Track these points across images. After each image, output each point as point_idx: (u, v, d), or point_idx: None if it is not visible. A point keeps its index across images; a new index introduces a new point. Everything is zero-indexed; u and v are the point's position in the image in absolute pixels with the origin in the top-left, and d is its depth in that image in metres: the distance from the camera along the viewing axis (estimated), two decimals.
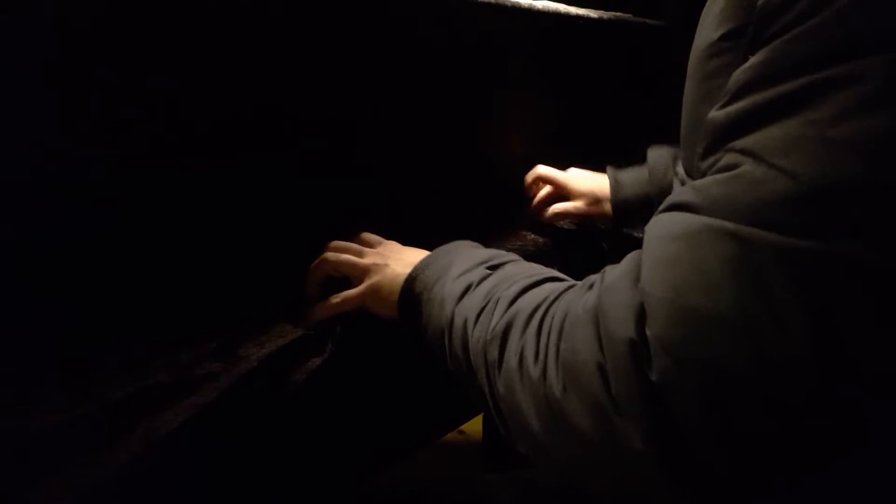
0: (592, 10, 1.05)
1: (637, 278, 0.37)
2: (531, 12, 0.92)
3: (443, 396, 0.66)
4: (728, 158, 0.36)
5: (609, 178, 0.93)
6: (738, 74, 0.37)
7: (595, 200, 0.93)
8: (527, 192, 0.99)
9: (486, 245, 0.61)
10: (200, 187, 0.61)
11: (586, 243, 0.97)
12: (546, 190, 0.96)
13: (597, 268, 0.45)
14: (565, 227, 0.98)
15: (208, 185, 0.62)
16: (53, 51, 0.49)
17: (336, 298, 0.62)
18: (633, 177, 0.91)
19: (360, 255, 0.65)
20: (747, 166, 0.34)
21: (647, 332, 0.34)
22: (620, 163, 0.93)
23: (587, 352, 0.37)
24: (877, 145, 0.31)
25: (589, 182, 0.94)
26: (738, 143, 0.36)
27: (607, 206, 0.91)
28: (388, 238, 0.68)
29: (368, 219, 0.71)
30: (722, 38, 0.42)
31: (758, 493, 0.34)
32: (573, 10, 1.01)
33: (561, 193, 0.95)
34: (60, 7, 0.49)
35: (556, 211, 0.94)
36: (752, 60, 0.36)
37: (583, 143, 1.08)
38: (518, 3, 0.90)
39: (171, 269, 0.60)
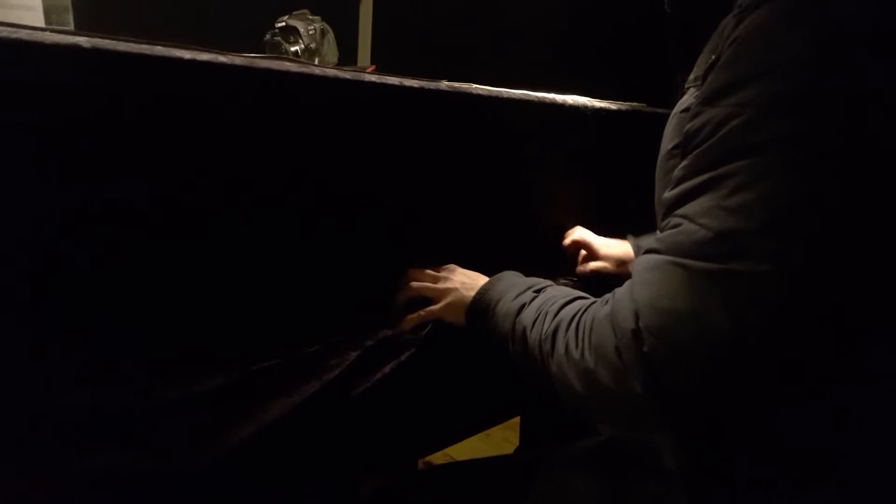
0: (612, 102, 1.32)
1: (632, 294, 0.62)
2: (563, 107, 1.19)
3: (492, 391, 0.91)
4: (674, 220, 0.62)
5: (631, 244, 1.20)
6: (677, 172, 0.63)
7: (620, 263, 1.21)
8: (564, 250, 1.25)
9: None
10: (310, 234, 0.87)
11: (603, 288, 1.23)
12: (581, 251, 1.24)
13: None
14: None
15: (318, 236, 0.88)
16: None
17: (422, 312, 0.89)
18: (650, 243, 1.18)
19: (434, 280, 0.92)
20: (685, 225, 0.60)
21: (640, 324, 0.59)
22: (636, 231, 1.20)
23: (608, 338, 0.62)
24: (746, 209, 0.55)
25: (615, 248, 1.22)
26: (679, 211, 0.61)
27: (626, 267, 1.18)
28: None
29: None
30: (672, 149, 0.70)
31: (712, 416, 0.59)
32: (597, 103, 1.27)
33: (592, 254, 1.22)
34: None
35: (589, 269, 1.21)
36: (682, 163, 0.63)
37: (604, 212, 1.32)
38: (554, 99, 1.17)
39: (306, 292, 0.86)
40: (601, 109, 1.26)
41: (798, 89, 0.55)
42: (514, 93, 1.09)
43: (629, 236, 1.22)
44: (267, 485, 0.72)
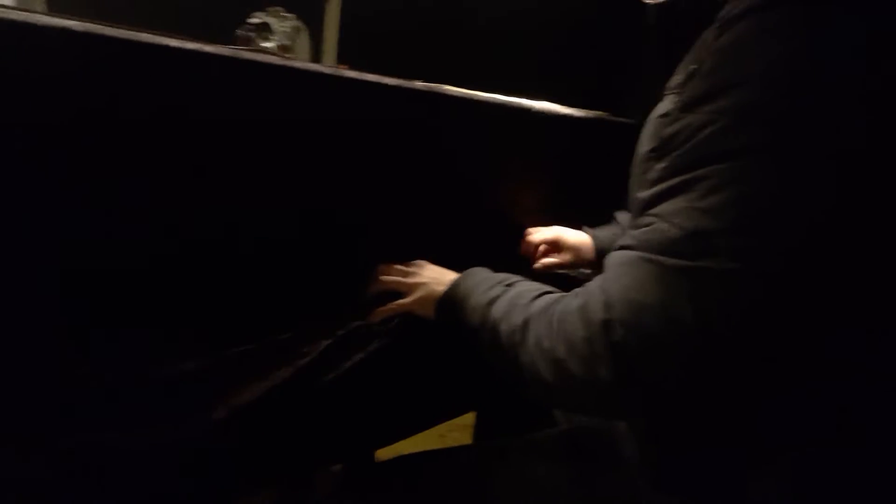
0: (577, 110, 1.36)
1: (604, 286, 0.64)
2: (531, 112, 1.22)
3: (452, 384, 0.93)
4: (648, 219, 0.64)
5: (589, 235, 1.26)
6: (651, 173, 0.67)
7: (578, 253, 1.26)
8: (524, 246, 1.29)
9: None
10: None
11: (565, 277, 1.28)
12: (543, 247, 1.27)
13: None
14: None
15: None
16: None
17: (392, 304, 0.91)
18: (608, 234, 1.26)
19: (404, 274, 0.94)
20: (657, 223, 0.63)
21: (610, 315, 0.61)
22: (593, 223, 1.24)
23: (577, 329, 0.64)
24: (717, 210, 0.58)
25: (574, 238, 1.27)
26: (653, 211, 0.64)
27: (587, 256, 1.24)
28: None
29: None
30: (650, 151, 0.73)
31: (671, 406, 0.64)
32: (563, 109, 1.31)
33: (553, 248, 1.27)
34: None
35: (548, 263, 1.25)
36: (657, 166, 0.66)
37: (567, 210, 1.37)
38: (521, 104, 1.20)
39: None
40: (567, 116, 1.31)
41: (771, 100, 0.58)
42: (485, 96, 1.13)
43: (585, 228, 1.28)
44: (235, 465, 0.73)
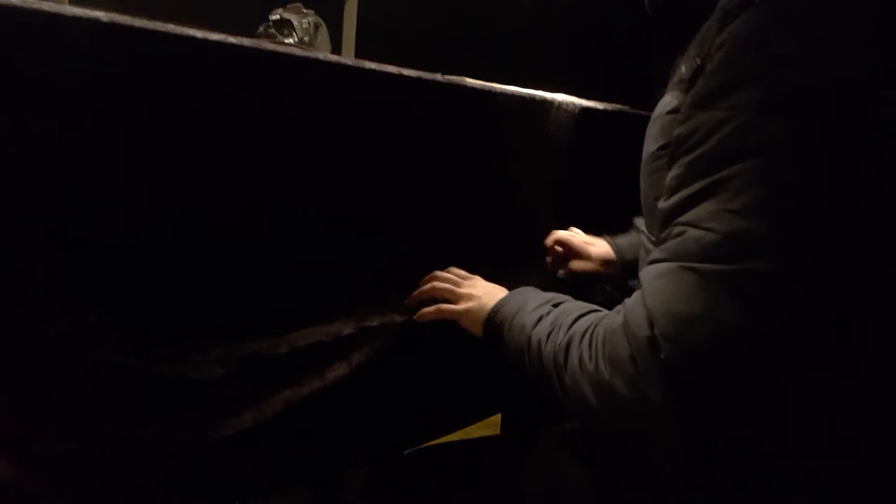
0: (598, 102, 1.35)
1: (644, 302, 0.61)
2: (553, 104, 1.21)
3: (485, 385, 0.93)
4: (677, 229, 0.62)
5: (610, 245, 1.23)
6: (670, 180, 0.64)
7: (602, 263, 1.23)
8: (546, 249, 1.28)
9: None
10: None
11: (590, 288, 1.26)
12: (558, 248, 1.26)
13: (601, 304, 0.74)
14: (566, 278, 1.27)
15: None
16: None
17: (442, 307, 0.91)
18: (629, 242, 1.23)
19: (456, 284, 0.93)
20: (690, 231, 0.60)
21: (655, 331, 0.58)
22: (613, 231, 1.25)
23: (622, 348, 0.62)
24: (752, 210, 0.56)
25: (596, 248, 1.24)
26: (681, 219, 0.61)
27: (609, 267, 1.22)
28: None
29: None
30: (658, 149, 0.71)
31: (725, 421, 0.59)
32: (584, 102, 1.30)
33: (574, 254, 1.25)
34: None
35: (570, 268, 1.24)
36: (673, 172, 0.63)
37: (586, 210, 1.35)
38: (543, 96, 1.19)
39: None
40: (589, 108, 1.29)
41: (790, 89, 0.56)
42: (506, 88, 1.12)
43: (605, 237, 1.25)
44: (266, 463, 0.73)
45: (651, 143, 0.78)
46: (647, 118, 0.83)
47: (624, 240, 1.25)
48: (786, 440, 0.65)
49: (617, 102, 1.44)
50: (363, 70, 0.89)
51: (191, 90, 0.71)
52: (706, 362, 0.56)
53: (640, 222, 1.23)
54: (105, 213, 0.67)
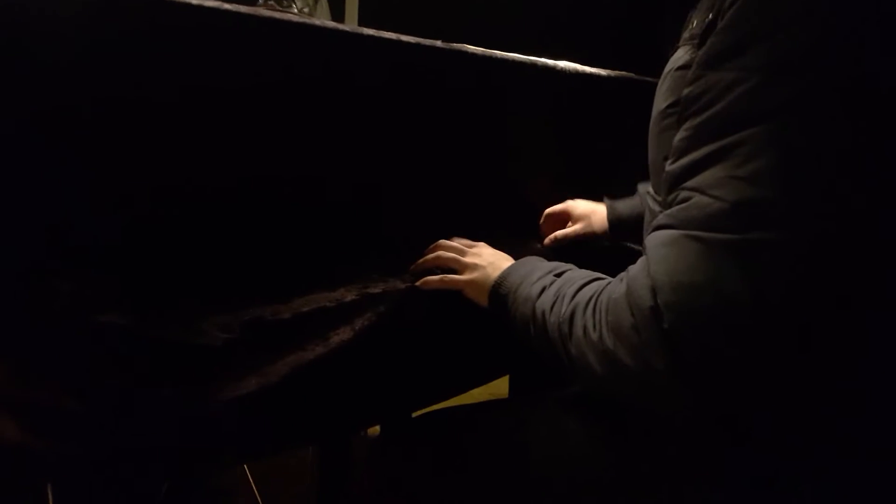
0: (602, 69, 1.34)
1: (648, 271, 0.61)
2: (555, 71, 1.20)
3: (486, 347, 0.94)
4: (684, 194, 0.61)
5: (606, 204, 1.21)
6: (678, 141, 0.63)
7: (590, 223, 1.21)
8: (541, 228, 1.28)
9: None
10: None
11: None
12: (550, 221, 1.26)
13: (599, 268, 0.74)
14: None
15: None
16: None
17: (445, 277, 0.91)
18: (627, 203, 1.21)
19: (461, 253, 0.93)
20: (696, 198, 0.59)
21: (658, 301, 0.58)
22: (618, 188, 1.22)
23: (625, 317, 0.61)
24: (761, 177, 0.55)
25: (585, 207, 1.23)
26: (688, 184, 0.61)
27: (600, 227, 1.20)
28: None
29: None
30: (667, 108, 0.70)
31: (728, 390, 0.59)
32: (588, 69, 1.29)
33: (564, 219, 1.24)
34: None
35: (557, 237, 1.23)
36: (682, 134, 0.62)
37: (589, 179, 1.35)
38: (546, 63, 1.18)
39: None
40: (593, 75, 1.28)
41: (802, 49, 0.55)
42: (508, 55, 1.11)
43: (605, 198, 1.23)
44: (271, 430, 0.74)
45: (661, 101, 0.76)
46: (653, 85, 0.82)
47: (623, 202, 1.22)
48: (789, 416, 0.64)
49: (623, 70, 1.42)
50: (362, 36, 0.88)
51: (195, 60, 0.71)
52: (710, 333, 0.56)
53: (644, 188, 1.22)
54: (112, 179, 0.68)
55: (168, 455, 0.62)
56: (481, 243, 0.97)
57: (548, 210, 1.25)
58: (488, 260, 0.90)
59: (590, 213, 1.22)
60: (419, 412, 0.93)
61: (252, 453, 0.74)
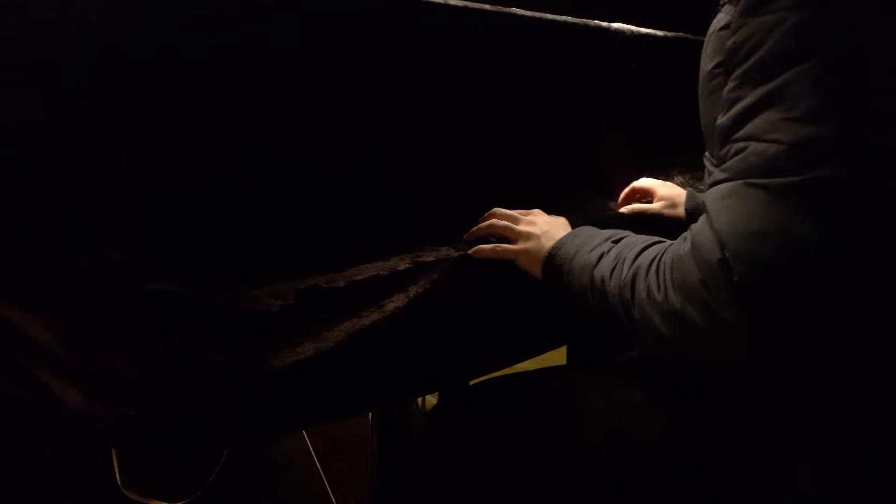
0: (656, 30, 1.29)
1: (712, 225, 0.59)
2: (608, 32, 1.17)
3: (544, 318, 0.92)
4: (738, 145, 0.59)
5: (686, 192, 1.16)
6: (726, 94, 0.61)
7: (672, 205, 1.17)
8: (625, 196, 1.23)
9: None
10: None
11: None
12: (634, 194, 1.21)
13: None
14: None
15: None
16: None
17: (499, 247, 0.88)
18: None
19: (515, 221, 0.90)
20: (752, 146, 0.57)
21: (726, 253, 0.56)
22: (675, 153, 1.18)
23: (692, 273, 0.60)
24: (815, 115, 0.54)
25: (671, 189, 1.18)
26: (740, 134, 0.59)
27: (679, 211, 1.15)
28: None
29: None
30: (714, 68, 0.68)
31: (802, 338, 0.58)
32: (642, 30, 1.25)
33: (646, 195, 1.19)
34: None
35: (636, 209, 1.18)
36: (730, 85, 0.60)
37: (648, 139, 1.31)
38: (597, 24, 1.15)
39: None
40: (647, 35, 1.24)
41: None
42: (559, 17, 1.08)
43: (688, 189, 1.18)
44: (322, 398, 0.74)
45: (706, 62, 0.74)
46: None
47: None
48: (854, 360, 0.63)
49: (676, 30, 1.37)
50: (409, 1, 0.87)
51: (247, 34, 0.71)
52: (782, 280, 0.54)
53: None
54: (169, 149, 0.69)
55: (227, 421, 0.62)
56: (537, 210, 0.94)
57: (635, 183, 1.21)
58: (543, 228, 0.88)
59: (675, 196, 1.17)
60: (475, 381, 0.93)
61: (310, 420, 0.74)
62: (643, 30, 1.24)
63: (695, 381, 0.75)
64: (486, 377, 0.91)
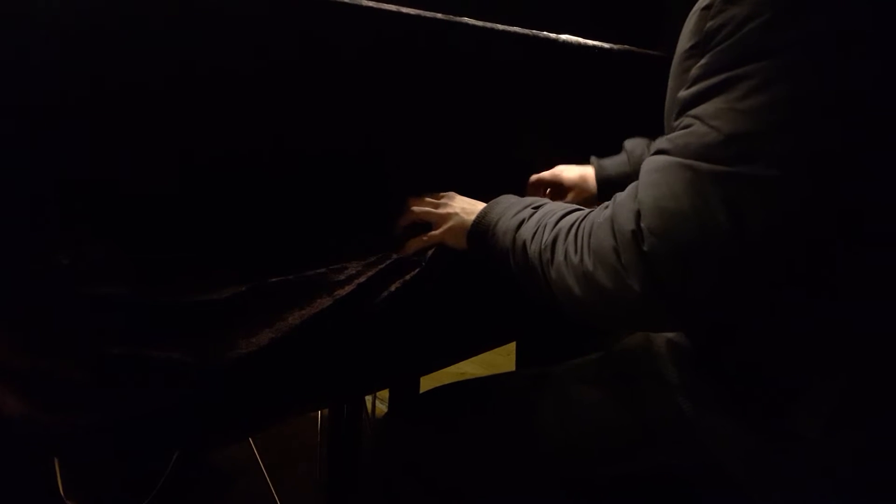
0: (603, 42, 1.32)
1: (635, 196, 0.62)
2: (556, 43, 1.19)
3: (491, 313, 0.93)
4: (686, 121, 0.62)
5: (593, 164, 1.20)
6: (694, 70, 0.63)
7: (583, 189, 1.19)
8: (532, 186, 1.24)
9: None
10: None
11: None
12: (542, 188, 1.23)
13: None
14: None
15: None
16: None
17: (424, 237, 0.90)
18: (614, 161, 1.19)
19: (434, 206, 0.92)
20: (696, 126, 0.60)
21: (641, 224, 0.59)
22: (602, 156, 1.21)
23: (607, 240, 0.63)
24: (757, 112, 0.56)
25: (575, 172, 1.20)
26: (692, 112, 0.62)
27: (589, 190, 1.18)
28: None
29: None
30: (690, 48, 0.70)
31: (701, 313, 0.62)
32: (588, 42, 1.28)
33: (555, 187, 1.21)
34: None
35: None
36: (700, 62, 0.63)
37: (584, 147, 1.33)
38: (547, 35, 1.17)
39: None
40: (593, 48, 1.27)
41: None
42: (508, 28, 1.10)
43: (592, 158, 1.22)
44: (278, 391, 0.73)
45: (684, 41, 0.74)
46: (655, 58, 0.81)
47: (610, 161, 1.21)
48: (774, 345, 0.67)
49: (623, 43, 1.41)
50: (362, 8, 0.87)
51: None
52: (687, 259, 0.57)
53: (630, 144, 1.20)
54: (118, 146, 0.68)
55: (174, 423, 0.61)
56: (450, 192, 0.97)
57: (535, 176, 1.23)
58: (461, 206, 0.92)
59: (580, 178, 1.20)
60: (426, 390, 0.93)
61: (262, 418, 0.73)
62: (590, 42, 1.27)
63: (648, 383, 0.77)
64: (440, 386, 0.91)
